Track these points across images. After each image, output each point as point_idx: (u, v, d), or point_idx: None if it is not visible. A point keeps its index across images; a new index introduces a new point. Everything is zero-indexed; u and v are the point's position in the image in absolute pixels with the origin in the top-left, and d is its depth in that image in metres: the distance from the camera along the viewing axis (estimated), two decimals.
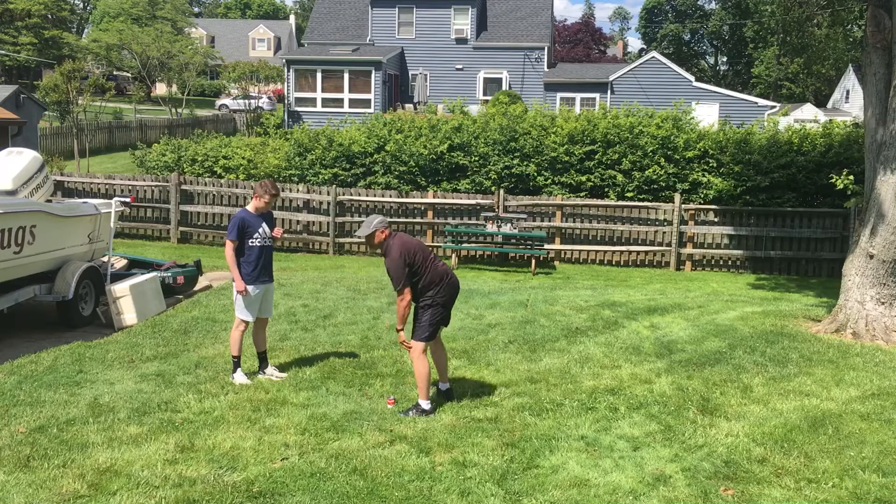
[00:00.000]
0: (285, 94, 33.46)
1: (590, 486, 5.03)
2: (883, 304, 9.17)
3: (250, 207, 7.12)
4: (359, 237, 6.55)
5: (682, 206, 15.87)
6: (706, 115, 24.85)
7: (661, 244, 16.05)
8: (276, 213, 14.18)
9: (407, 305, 6.22)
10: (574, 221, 16.17)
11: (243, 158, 17.95)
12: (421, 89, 33.71)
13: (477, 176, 16.81)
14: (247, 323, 7.07)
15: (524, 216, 15.78)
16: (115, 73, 52.02)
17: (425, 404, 6.28)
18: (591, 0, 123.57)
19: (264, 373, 7.17)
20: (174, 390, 6.72)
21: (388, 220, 6.48)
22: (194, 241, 17.03)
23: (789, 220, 15.72)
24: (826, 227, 15.57)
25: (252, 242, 6.98)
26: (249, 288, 6.96)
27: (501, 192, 16.12)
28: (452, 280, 6.48)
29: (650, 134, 16.57)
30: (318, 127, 19.06)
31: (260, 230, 7.02)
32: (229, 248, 6.94)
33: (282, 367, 7.39)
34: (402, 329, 6.34)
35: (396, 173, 16.86)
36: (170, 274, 10.97)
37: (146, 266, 11.39)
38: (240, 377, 7.00)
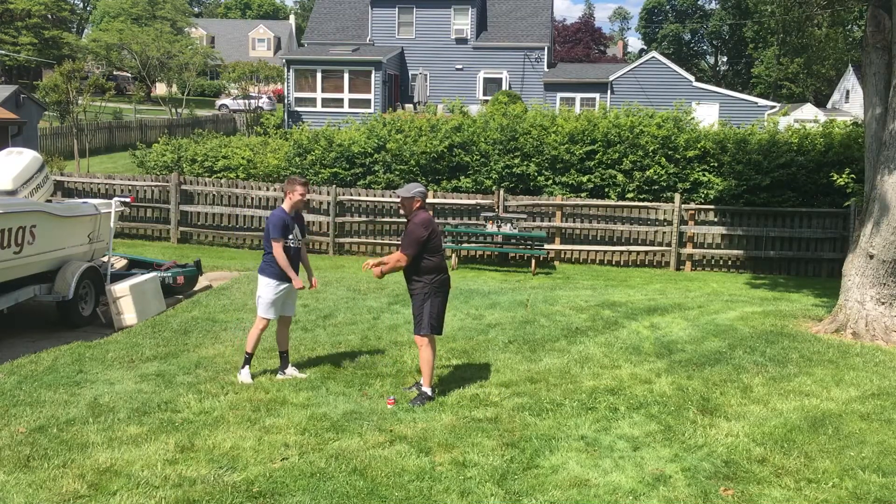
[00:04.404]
0: (285, 94, 33.47)
1: (590, 486, 5.03)
2: (883, 304, 9.17)
3: (286, 206, 7.08)
4: (397, 195, 6.82)
5: (682, 206, 15.87)
6: (706, 116, 24.84)
7: (661, 244, 16.05)
8: None
9: (398, 264, 6.54)
10: (574, 221, 16.17)
11: (243, 159, 17.96)
12: (421, 89, 33.70)
13: (478, 175, 16.81)
14: (267, 321, 7.10)
15: (524, 216, 15.78)
16: (115, 73, 52.07)
17: (428, 390, 6.61)
18: (591, 0, 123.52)
19: (284, 373, 7.18)
20: (174, 390, 6.72)
21: (424, 193, 6.79)
22: (194, 241, 17.03)
23: (789, 219, 15.72)
24: (826, 227, 15.57)
25: (287, 243, 6.99)
26: (273, 285, 6.98)
27: (501, 192, 16.12)
28: (448, 276, 6.86)
29: (651, 133, 16.57)
30: (317, 127, 19.07)
31: (295, 231, 7.05)
32: (278, 247, 6.92)
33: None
34: (378, 268, 6.58)
35: (397, 172, 16.87)
36: (170, 274, 10.97)
37: (146, 266, 11.39)
38: (245, 375, 7.02)
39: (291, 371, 7.23)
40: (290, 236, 7.00)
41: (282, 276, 7.01)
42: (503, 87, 34.27)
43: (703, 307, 10.86)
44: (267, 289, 7.03)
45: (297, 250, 7.14)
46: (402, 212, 6.74)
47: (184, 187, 16.92)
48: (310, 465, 5.20)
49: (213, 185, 17.00)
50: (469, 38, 35.38)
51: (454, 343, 8.49)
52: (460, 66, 35.38)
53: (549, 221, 16.14)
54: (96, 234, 10.33)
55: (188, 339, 8.53)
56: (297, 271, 7.13)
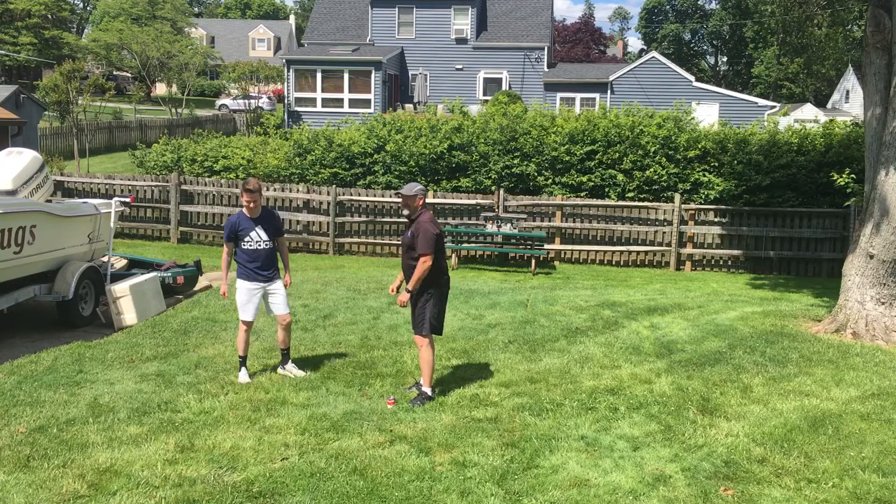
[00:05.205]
0: (285, 94, 33.47)
1: (590, 486, 5.03)
2: (883, 304, 9.17)
3: (245, 209, 7.13)
4: (401, 193, 6.75)
5: (682, 206, 15.87)
6: (706, 116, 24.84)
7: (661, 244, 16.05)
8: None
9: (427, 269, 6.49)
10: (574, 221, 16.17)
11: (243, 158, 17.96)
12: (421, 89, 33.71)
13: (477, 175, 16.82)
14: (247, 323, 7.12)
15: (524, 216, 15.78)
16: (115, 73, 52.04)
17: (428, 390, 6.63)
18: (591, 0, 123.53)
19: (284, 367, 7.25)
20: (174, 390, 6.72)
21: (425, 191, 6.83)
22: (194, 241, 17.03)
23: (789, 219, 15.72)
24: (826, 227, 15.58)
25: (244, 245, 7.03)
26: (244, 287, 7.06)
27: (501, 192, 16.12)
28: (448, 276, 6.91)
29: (651, 133, 16.56)
30: (317, 127, 19.07)
31: (252, 234, 7.03)
32: (224, 250, 7.20)
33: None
34: (412, 291, 6.56)
35: (396, 173, 16.88)
36: (170, 274, 10.97)
37: (146, 266, 11.39)
38: (242, 376, 7.05)
39: (291, 367, 7.25)
40: (247, 239, 7.01)
41: (250, 277, 7.05)
42: (503, 87, 34.27)
43: (703, 307, 10.86)
44: (238, 291, 7.12)
45: (264, 251, 7.08)
46: (404, 212, 6.74)
47: (184, 187, 16.92)
48: (310, 465, 5.20)
49: (213, 185, 16.99)
50: (469, 38, 35.38)
51: (454, 343, 8.49)
52: (460, 66, 35.37)
53: (549, 221, 16.14)
54: (96, 234, 10.33)
55: (188, 339, 8.53)
56: (267, 271, 7.10)
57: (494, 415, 6.25)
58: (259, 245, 7.05)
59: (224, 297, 7.20)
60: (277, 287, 7.22)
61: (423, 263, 6.48)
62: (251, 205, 7.04)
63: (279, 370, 7.23)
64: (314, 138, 17.72)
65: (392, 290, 7.02)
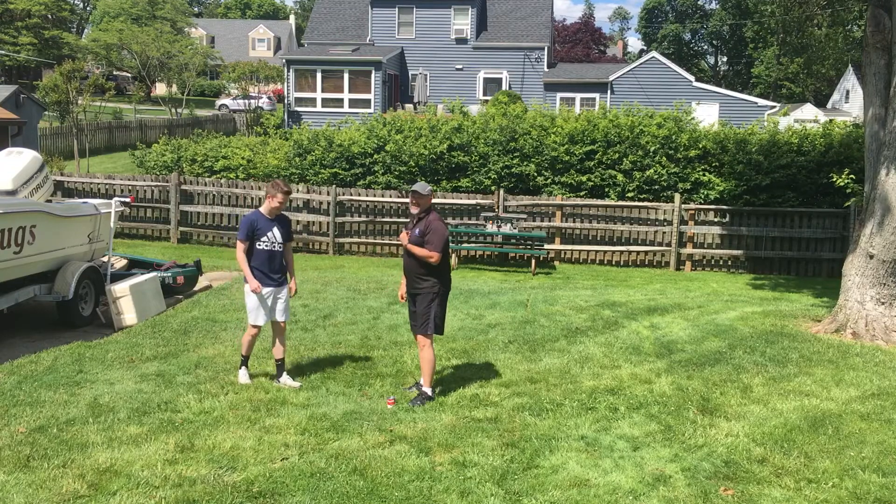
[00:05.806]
0: (285, 94, 33.47)
1: (590, 486, 5.03)
2: (883, 304, 9.17)
3: (263, 209, 6.99)
4: (415, 192, 6.69)
5: (682, 206, 15.87)
6: (706, 116, 24.84)
7: (660, 244, 16.05)
8: None
9: (430, 260, 6.53)
10: (574, 221, 16.17)
11: (243, 159, 17.96)
12: (421, 89, 33.70)
13: (477, 175, 16.83)
14: (256, 328, 7.00)
15: (524, 216, 15.78)
16: (115, 73, 52.07)
17: (429, 390, 6.63)
18: (591, 0, 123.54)
19: (279, 381, 7.02)
20: (174, 390, 6.72)
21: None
22: (194, 241, 17.03)
23: (789, 220, 15.73)
24: (826, 227, 15.58)
25: (259, 245, 6.89)
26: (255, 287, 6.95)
27: (501, 192, 16.12)
28: (451, 276, 6.92)
29: (651, 133, 16.56)
30: (317, 127, 19.07)
31: (269, 234, 6.91)
32: (239, 248, 6.91)
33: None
34: (412, 251, 6.61)
35: (396, 173, 16.88)
36: (170, 274, 10.97)
37: (146, 266, 11.39)
38: (243, 376, 7.02)
39: (285, 378, 7.04)
40: (264, 239, 6.89)
41: (262, 282, 6.89)
42: (503, 87, 34.26)
43: (703, 307, 10.86)
44: (247, 295, 6.96)
45: (278, 253, 6.98)
46: (413, 210, 6.70)
47: (184, 187, 16.92)
48: (310, 465, 5.20)
49: (213, 185, 17.00)
50: (469, 38, 35.37)
51: (454, 343, 8.49)
52: (460, 66, 35.37)
53: (549, 221, 16.14)
54: (96, 234, 10.33)
55: (188, 339, 8.53)
56: (279, 275, 7.01)
57: (494, 415, 6.25)
58: (273, 246, 6.93)
59: (259, 290, 6.84)
60: (283, 294, 7.10)
61: (430, 257, 6.51)
62: (281, 206, 6.96)
63: (274, 383, 7.01)
64: (314, 138, 17.71)
65: (402, 298, 6.95)
